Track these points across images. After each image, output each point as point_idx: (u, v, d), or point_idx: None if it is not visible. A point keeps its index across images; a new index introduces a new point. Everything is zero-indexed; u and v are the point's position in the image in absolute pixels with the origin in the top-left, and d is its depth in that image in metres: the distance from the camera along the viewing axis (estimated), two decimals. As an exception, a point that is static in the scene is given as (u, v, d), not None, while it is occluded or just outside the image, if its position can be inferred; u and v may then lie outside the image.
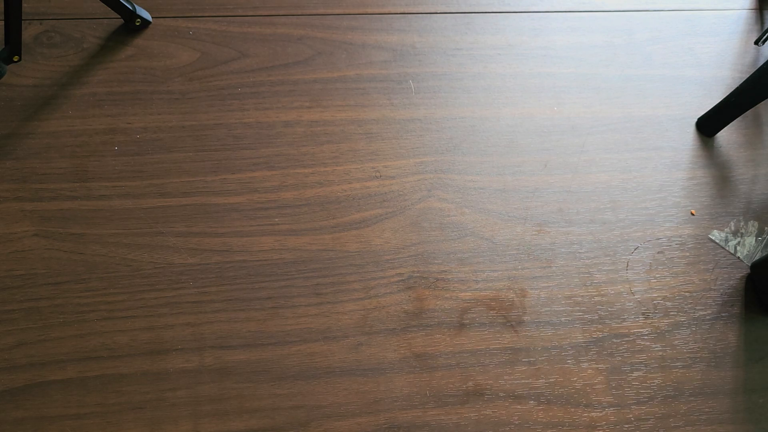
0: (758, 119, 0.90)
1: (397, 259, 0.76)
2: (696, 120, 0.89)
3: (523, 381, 0.71)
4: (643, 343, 0.74)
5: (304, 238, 0.76)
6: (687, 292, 0.77)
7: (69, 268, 0.72)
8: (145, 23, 0.86)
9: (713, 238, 0.81)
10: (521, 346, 0.73)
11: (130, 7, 0.84)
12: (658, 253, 0.79)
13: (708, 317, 0.76)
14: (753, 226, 0.82)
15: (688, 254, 0.80)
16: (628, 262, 0.78)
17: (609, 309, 0.76)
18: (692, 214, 0.82)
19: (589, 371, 0.72)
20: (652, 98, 0.90)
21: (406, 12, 0.93)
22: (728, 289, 0.78)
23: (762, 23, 0.99)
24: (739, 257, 0.80)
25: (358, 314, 0.73)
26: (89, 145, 0.79)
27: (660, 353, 0.74)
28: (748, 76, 0.83)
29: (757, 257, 0.80)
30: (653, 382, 0.73)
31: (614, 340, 0.74)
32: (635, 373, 0.73)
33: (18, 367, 0.67)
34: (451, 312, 0.74)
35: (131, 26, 0.86)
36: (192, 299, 0.71)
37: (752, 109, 0.85)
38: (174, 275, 0.72)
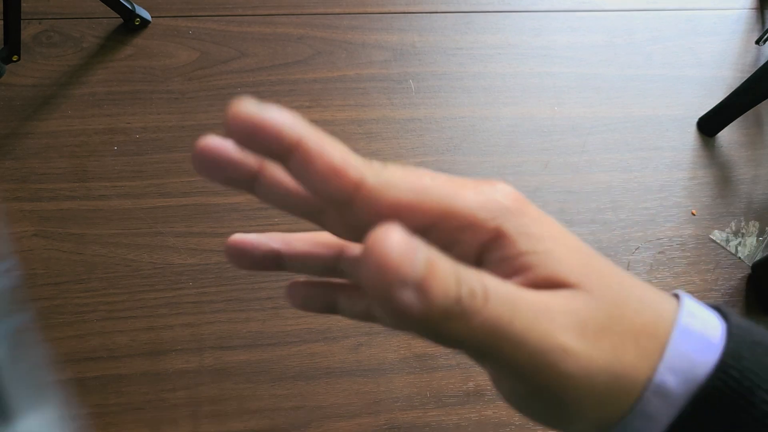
0: (759, 119, 0.90)
1: (398, 260, 0.76)
2: (697, 120, 0.89)
3: (523, 381, 0.71)
4: (643, 343, 0.74)
5: (304, 238, 0.76)
6: (688, 292, 0.77)
7: (68, 268, 0.71)
8: (145, 22, 0.86)
9: (714, 238, 0.81)
10: (522, 347, 0.73)
11: (130, 7, 0.83)
12: (659, 253, 0.79)
13: (709, 317, 0.76)
14: (754, 226, 0.82)
15: (689, 254, 0.79)
16: (629, 263, 0.78)
17: (610, 309, 0.76)
18: (693, 214, 0.82)
19: (590, 372, 0.72)
20: (652, 98, 0.90)
21: (406, 11, 0.93)
22: (729, 289, 0.78)
23: (763, 23, 0.99)
24: (740, 257, 0.80)
25: (359, 314, 0.73)
26: (88, 145, 0.78)
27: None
28: (749, 75, 0.83)
29: (758, 257, 0.80)
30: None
31: (615, 341, 0.74)
32: (636, 374, 0.73)
33: (17, 367, 0.66)
34: (452, 312, 0.74)
35: (130, 25, 0.85)
36: (192, 299, 0.71)
37: (753, 108, 0.85)
38: (174, 275, 0.72)
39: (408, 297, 0.18)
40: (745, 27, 0.98)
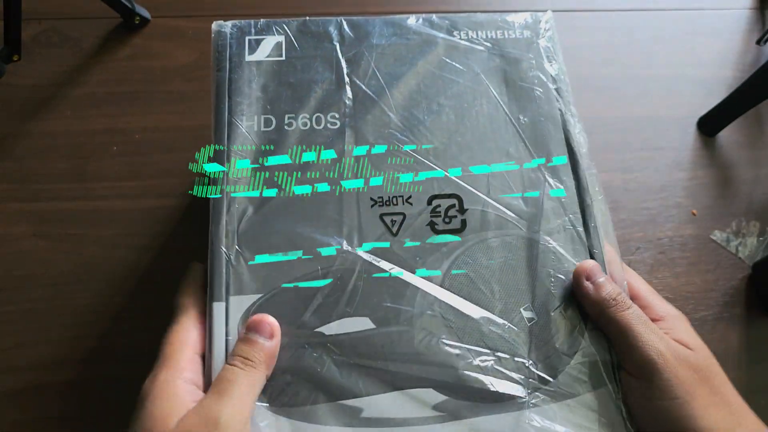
0: (760, 119, 0.90)
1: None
2: (697, 120, 0.89)
3: (524, 382, 0.71)
4: (644, 344, 0.74)
5: (304, 238, 0.76)
6: (688, 293, 0.77)
7: (68, 269, 0.71)
8: (144, 21, 0.86)
9: (715, 238, 0.81)
10: (522, 347, 0.73)
11: (129, 5, 0.83)
12: (660, 253, 0.79)
13: (710, 318, 0.76)
14: (754, 226, 0.82)
15: (689, 255, 0.79)
16: (629, 263, 0.78)
17: (610, 310, 0.75)
18: (693, 215, 0.82)
19: (591, 372, 0.72)
20: (653, 98, 0.90)
21: (406, 11, 0.92)
22: (730, 289, 0.78)
23: (763, 23, 0.98)
24: (740, 257, 0.80)
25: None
26: (88, 146, 0.78)
27: None
28: (749, 75, 0.83)
29: (758, 257, 0.79)
30: (655, 383, 0.72)
31: (615, 341, 0.74)
32: (636, 374, 0.72)
33: (17, 368, 0.66)
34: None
35: (130, 25, 0.85)
36: (191, 300, 0.71)
37: (753, 108, 0.85)
38: (175, 276, 0.71)
39: (590, 287, 0.52)
40: (745, 27, 0.98)
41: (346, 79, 0.60)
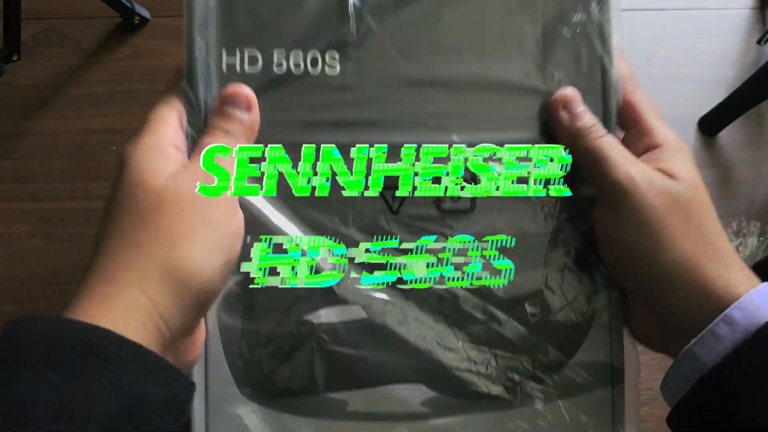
0: (761, 119, 0.90)
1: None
2: (697, 120, 0.89)
3: (524, 382, 0.71)
4: (644, 344, 0.74)
5: (304, 238, 0.75)
6: (689, 292, 0.77)
7: (68, 268, 0.71)
8: (144, 21, 0.86)
9: (715, 238, 0.81)
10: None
11: (129, 5, 0.83)
12: (660, 253, 0.79)
13: (710, 318, 0.75)
14: (755, 226, 0.82)
15: (689, 255, 0.79)
16: (629, 263, 0.77)
17: (610, 310, 0.75)
18: (694, 215, 0.82)
19: (591, 372, 0.72)
20: (653, 97, 0.88)
21: (407, 11, 0.92)
22: (730, 289, 0.78)
23: (764, 22, 0.98)
24: (741, 258, 0.80)
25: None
26: (88, 145, 0.78)
27: (662, 354, 0.73)
28: (750, 75, 0.83)
29: (759, 258, 0.79)
30: (656, 384, 0.72)
31: (616, 341, 0.74)
32: (637, 374, 0.72)
33: (16, 368, 0.66)
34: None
35: (130, 25, 0.85)
36: (191, 300, 0.71)
37: (754, 108, 0.85)
38: (173, 276, 0.72)
39: (566, 117, 0.46)
40: (746, 27, 0.98)
41: (350, 9, 0.48)
